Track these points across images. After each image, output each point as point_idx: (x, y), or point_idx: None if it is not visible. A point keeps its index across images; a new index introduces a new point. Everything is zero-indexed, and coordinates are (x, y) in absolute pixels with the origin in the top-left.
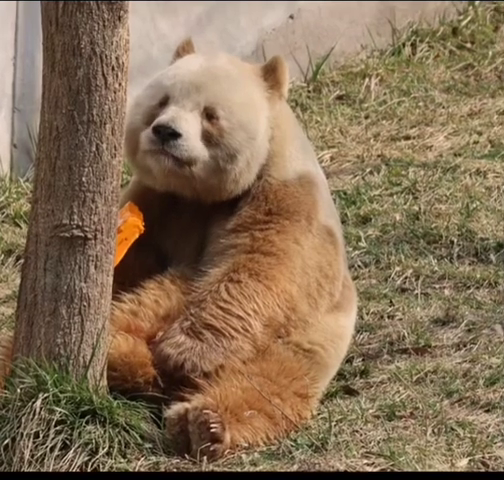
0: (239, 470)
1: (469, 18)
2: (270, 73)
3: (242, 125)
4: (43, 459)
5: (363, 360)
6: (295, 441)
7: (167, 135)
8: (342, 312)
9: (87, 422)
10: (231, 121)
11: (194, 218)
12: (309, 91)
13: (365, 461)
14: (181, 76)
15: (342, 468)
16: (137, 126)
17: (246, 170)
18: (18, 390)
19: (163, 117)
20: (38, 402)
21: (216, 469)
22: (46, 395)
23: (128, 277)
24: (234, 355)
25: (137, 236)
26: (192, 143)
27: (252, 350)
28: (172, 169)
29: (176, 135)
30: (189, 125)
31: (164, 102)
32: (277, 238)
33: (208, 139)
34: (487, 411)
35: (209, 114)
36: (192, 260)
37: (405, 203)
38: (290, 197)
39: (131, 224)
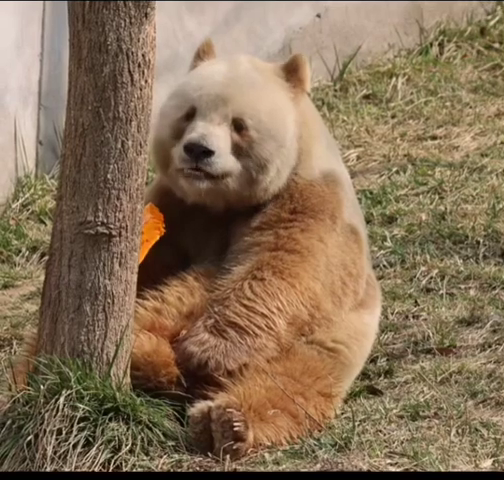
0: (262, 469)
1: (497, 18)
2: (292, 73)
3: (271, 134)
4: (66, 456)
5: (387, 360)
6: (318, 440)
7: (200, 153)
8: (366, 310)
9: (110, 419)
10: (260, 131)
11: (216, 217)
12: (336, 90)
13: (388, 461)
14: (207, 88)
15: (365, 468)
16: (165, 139)
17: (276, 177)
18: (41, 387)
19: (193, 135)
20: (61, 399)
21: (239, 468)
22: (69, 392)
23: (149, 275)
24: (258, 353)
25: (158, 238)
26: (225, 158)
27: (276, 348)
28: (207, 190)
29: (209, 153)
30: (220, 140)
31: (191, 114)
32: (301, 236)
33: (238, 151)
34: None
35: (238, 125)
36: (215, 258)
37: (431, 203)
38: (315, 196)
39: (152, 226)
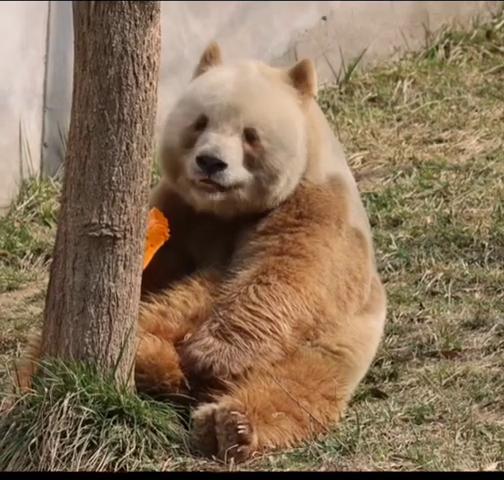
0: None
1: (503, 21)
2: (300, 79)
3: (282, 144)
4: (70, 458)
5: (392, 363)
6: (323, 443)
7: (213, 166)
8: (371, 314)
9: (114, 422)
10: (271, 141)
11: (222, 221)
12: (341, 93)
13: (393, 464)
14: (218, 98)
15: (370, 471)
16: (174, 147)
17: (286, 186)
18: (46, 389)
19: (206, 147)
20: (66, 401)
21: (243, 471)
22: (74, 394)
23: (154, 280)
24: (263, 357)
25: (162, 243)
26: (237, 170)
27: (281, 352)
28: (218, 202)
29: (222, 165)
30: (233, 152)
31: (201, 124)
32: (307, 241)
33: (250, 162)
34: None
35: (249, 135)
36: (220, 262)
37: (436, 206)
38: (322, 201)
39: (156, 231)
